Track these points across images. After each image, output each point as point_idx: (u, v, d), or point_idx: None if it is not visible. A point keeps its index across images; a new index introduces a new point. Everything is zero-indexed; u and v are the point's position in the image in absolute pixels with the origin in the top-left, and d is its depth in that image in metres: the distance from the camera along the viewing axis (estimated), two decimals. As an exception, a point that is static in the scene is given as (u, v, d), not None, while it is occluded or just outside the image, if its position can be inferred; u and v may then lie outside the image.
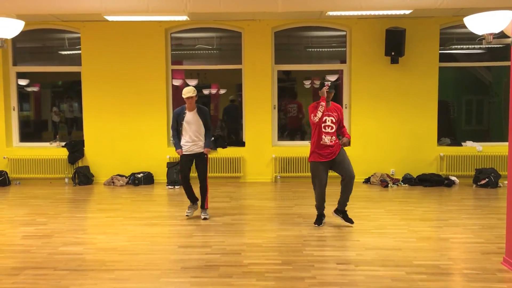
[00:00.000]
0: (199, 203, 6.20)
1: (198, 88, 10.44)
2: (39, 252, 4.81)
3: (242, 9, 7.02)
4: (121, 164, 8.99)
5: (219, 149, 9.05)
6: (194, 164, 6.10)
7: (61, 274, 4.20)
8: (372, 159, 8.82)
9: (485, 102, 10.34)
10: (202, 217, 6.09)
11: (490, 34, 4.09)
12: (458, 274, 4.22)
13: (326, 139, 5.45)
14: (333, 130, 5.49)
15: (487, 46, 4.09)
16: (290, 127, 10.10)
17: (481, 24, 4.09)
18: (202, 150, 6.02)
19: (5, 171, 8.88)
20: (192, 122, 5.90)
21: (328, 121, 5.46)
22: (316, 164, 5.55)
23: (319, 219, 5.77)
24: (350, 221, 5.67)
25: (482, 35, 4.18)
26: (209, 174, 8.81)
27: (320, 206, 5.76)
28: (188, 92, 5.82)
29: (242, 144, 9.19)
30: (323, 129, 5.46)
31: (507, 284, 3.93)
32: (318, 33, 9.35)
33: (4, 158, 8.97)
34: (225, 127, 10.40)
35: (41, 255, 4.73)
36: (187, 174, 6.04)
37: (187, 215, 6.17)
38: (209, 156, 8.88)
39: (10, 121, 9.20)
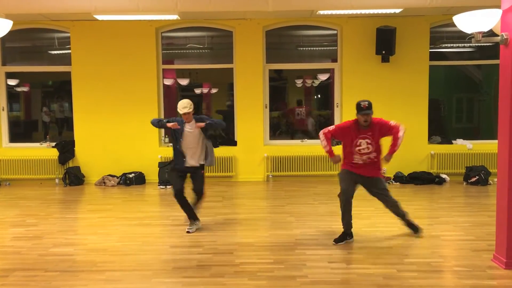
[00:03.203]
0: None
1: (190, 87, 10.47)
2: (29, 254, 4.77)
3: (233, 8, 7.01)
4: (112, 164, 8.94)
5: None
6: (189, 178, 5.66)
7: (52, 275, 4.17)
8: (363, 157, 8.84)
9: (475, 100, 10.42)
10: (190, 231, 5.52)
11: (479, 32, 4.11)
12: (449, 271, 4.25)
13: (357, 159, 4.99)
14: (370, 151, 4.94)
15: (476, 44, 4.10)
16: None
17: (470, 22, 4.11)
18: (198, 164, 5.55)
19: (-5, 172, 8.81)
20: (190, 135, 5.47)
21: (363, 144, 4.94)
22: (346, 172, 5.06)
23: (342, 237, 5.03)
24: (416, 230, 5.23)
25: (471, 34, 4.20)
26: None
27: (344, 218, 5.03)
28: (184, 107, 5.33)
29: (234, 143, 9.18)
30: (356, 150, 4.96)
31: (497, 281, 3.96)
32: (309, 32, 9.36)
33: (-7, 159, 8.90)
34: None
35: (31, 256, 4.70)
36: (182, 188, 5.46)
37: (188, 231, 5.48)
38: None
39: (-1, 122, 9.12)
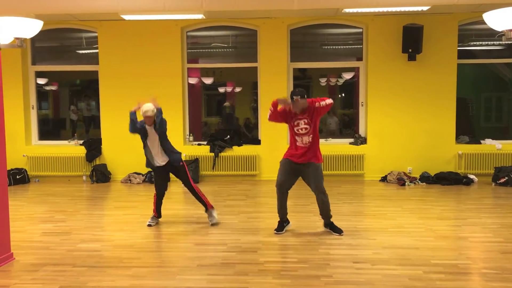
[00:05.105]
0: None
1: (214, 86, 10.53)
2: (58, 249, 4.88)
3: (258, 7, 7.01)
4: (138, 162, 8.98)
5: (235, 147, 9.07)
6: (174, 175, 5.85)
7: (80, 270, 4.26)
8: (389, 157, 8.75)
9: (505, 99, 10.18)
10: (212, 222, 5.78)
11: (510, 30, 4.03)
12: (477, 274, 4.16)
13: (299, 141, 5.18)
14: (307, 131, 5.13)
15: (506, 42, 4.01)
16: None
17: (501, 20, 4.02)
18: (164, 163, 5.69)
19: (25, 169, 9.02)
20: (152, 137, 5.66)
21: (301, 123, 5.14)
22: (286, 161, 5.24)
23: (280, 226, 5.37)
24: (339, 231, 5.27)
25: (501, 31, 4.12)
26: (225, 172, 8.92)
27: (280, 211, 5.37)
28: (146, 111, 5.51)
29: (257, 142, 9.20)
30: (295, 131, 5.19)
31: (527, 284, 3.86)
32: (334, 30, 9.30)
33: (23, 156, 9.12)
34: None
35: (60, 251, 4.80)
36: (165, 189, 5.84)
37: (149, 225, 5.78)
38: (224, 154, 8.96)
39: (29, 120, 9.34)
